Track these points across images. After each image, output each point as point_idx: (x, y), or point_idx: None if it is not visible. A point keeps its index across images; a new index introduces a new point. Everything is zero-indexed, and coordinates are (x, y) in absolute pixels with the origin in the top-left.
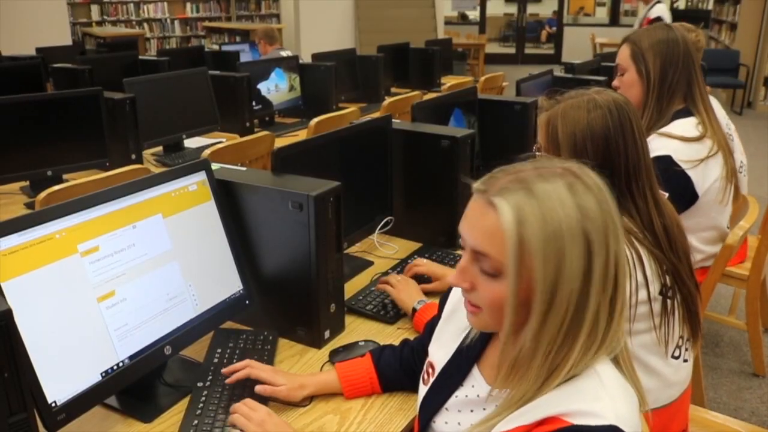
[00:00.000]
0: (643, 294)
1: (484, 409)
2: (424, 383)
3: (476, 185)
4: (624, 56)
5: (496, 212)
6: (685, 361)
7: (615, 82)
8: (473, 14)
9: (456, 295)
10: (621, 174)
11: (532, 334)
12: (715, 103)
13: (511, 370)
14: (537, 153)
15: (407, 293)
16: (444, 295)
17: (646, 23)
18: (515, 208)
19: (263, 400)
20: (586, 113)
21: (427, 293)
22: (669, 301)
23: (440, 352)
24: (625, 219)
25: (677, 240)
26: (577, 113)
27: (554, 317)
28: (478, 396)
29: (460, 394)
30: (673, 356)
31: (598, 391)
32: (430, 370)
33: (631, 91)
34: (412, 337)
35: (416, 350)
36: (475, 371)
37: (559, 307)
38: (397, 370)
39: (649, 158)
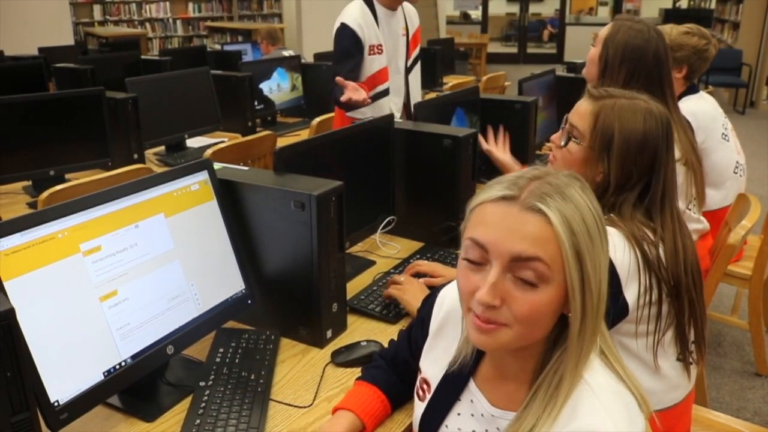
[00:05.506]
0: (648, 297)
1: (486, 431)
2: (420, 399)
3: (501, 193)
4: (602, 34)
5: (542, 217)
6: (690, 363)
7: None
8: (475, 14)
9: (441, 311)
10: (658, 187)
11: (574, 336)
12: (712, 102)
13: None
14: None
15: (412, 293)
16: (425, 311)
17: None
18: (560, 212)
19: None
20: (642, 121)
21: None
22: (674, 306)
23: (433, 367)
24: (644, 229)
25: (691, 260)
26: (634, 118)
27: (590, 319)
28: (482, 415)
29: (462, 411)
30: (678, 359)
31: (593, 403)
32: (425, 386)
33: (590, 68)
34: None
35: (406, 362)
36: (472, 385)
37: (590, 308)
38: (398, 383)
39: (675, 175)
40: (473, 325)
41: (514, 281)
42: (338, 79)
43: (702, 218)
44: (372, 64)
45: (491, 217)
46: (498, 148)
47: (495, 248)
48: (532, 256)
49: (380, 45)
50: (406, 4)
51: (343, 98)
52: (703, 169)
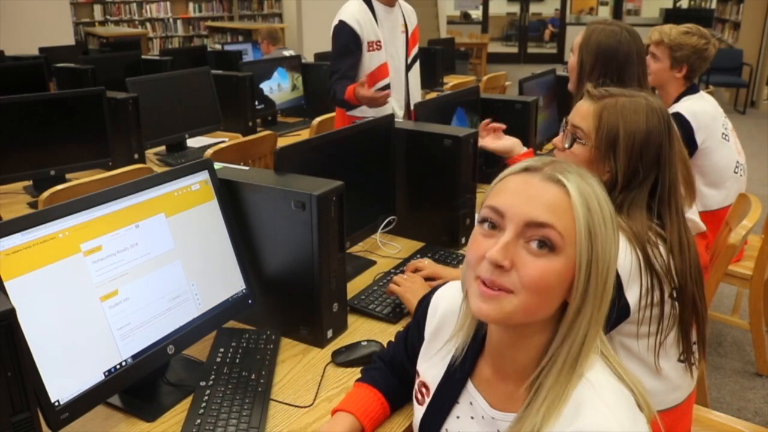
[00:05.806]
0: (650, 298)
1: None
2: (419, 403)
3: (524, 165)
4: (577, 41)
5: (560, 187)
6: (692, 364)
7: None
8: (476, 13)
9: (437, 314)
10: (665, 183)
11: (568, 318)
12: (712, 101)
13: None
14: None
15: (413, 292)
16: (420, 314)
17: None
18: (579, 188)
19: None
20: (645, 119)
21: None
22: (677, 307)
23: (432, 371)
24: (648, 232)
25: (694, 257)
26: (636, 115)
27: (590, 304)
28: (482, 418)
29: (461, 414)
30: (679, 360)
31: (596, 402)
32: (424, 390)
33: (572, 76)
34: None
35: (403, 365)
36: (470, 387)
37: (593, 292)
38: (398, 385)
39: (677, 170)
40: (477, 293)
41: (526, 247)
42: (356, 89)
43: (692, 217)
44: (371, 61)
45: (512, 186)
46: (491, 139)
47: (511, 212)
48: (546, 222)
49: (379, 41)
50: (403, 2)
51: (368, 98)
52: (701, 169)
